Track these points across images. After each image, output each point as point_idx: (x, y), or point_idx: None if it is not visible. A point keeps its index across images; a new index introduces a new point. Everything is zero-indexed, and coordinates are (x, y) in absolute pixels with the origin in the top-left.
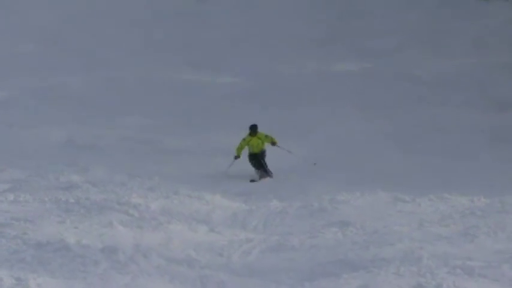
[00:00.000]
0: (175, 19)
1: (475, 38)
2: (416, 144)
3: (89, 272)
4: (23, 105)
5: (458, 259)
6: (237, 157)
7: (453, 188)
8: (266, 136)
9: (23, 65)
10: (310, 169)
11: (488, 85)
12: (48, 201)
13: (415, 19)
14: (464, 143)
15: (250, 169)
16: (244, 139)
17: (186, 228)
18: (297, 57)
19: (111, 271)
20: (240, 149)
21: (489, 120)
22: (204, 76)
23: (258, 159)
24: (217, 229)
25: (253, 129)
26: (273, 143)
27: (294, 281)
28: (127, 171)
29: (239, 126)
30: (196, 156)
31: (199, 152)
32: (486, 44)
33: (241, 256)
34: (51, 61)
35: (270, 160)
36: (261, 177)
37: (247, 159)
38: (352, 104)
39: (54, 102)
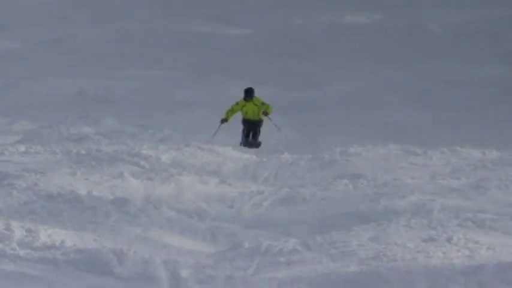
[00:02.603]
0: None
1: None
2: (427, 97)
3: (99, 224)
4: (33, 56)
5: (470, 212)
6: (224, 121)
7: (465, 141)
8: (263, 103)
9: (33, 16)
10: (321, 121)
11: (499, 38)
12: (59, 153)
13: None
14: (476, 97)
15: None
16: (237, 103)
17: (197, 180)
18: (309, 10)
19: (122, 222)
20: (230, 111)
21: (500, 73)
22: (216, 29)
23: (253, 128)
24: (228, 181)
25: (249, 93)
26: (265, 113)
27: (304, 233)
28: (138, 123)
29: (251, 79)
30: (206, 108)
31: (210, 103)
32: None
33: (252, 208)
34: (62, 13)
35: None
36: (245, 145)
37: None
38: (364, 56)
39: (65, 54)
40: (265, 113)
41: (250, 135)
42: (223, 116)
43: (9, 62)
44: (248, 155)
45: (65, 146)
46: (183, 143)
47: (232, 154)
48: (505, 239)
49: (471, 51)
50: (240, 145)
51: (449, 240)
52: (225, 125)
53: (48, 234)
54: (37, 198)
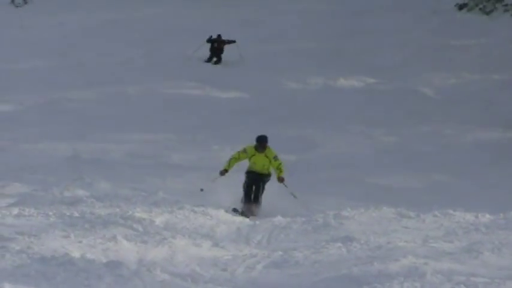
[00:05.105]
0: (180, 35)
1: (479, 55)
2: (420, 161)
3: (92, 286)
4: (27, 120)
5: (462, 275)
6: (224, 172)
7: (457, 204)
8: (276, 158)
9: (26, 80)
10: (314, 184)
11: (492, 102)
12: (53, 216)
13: (420, 36)
14: (468, 160)
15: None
16: (245, 150)
17: (190, 243)
18: (303, 73)
19: (115, 285)
20: (234, 160)
21: (493, 137)
22: (209, 91)
23: (258, 182)
24: (221, 244)
25: (263, 143)
26: (280, 178)
27: None
28: (131, 186)
29: (243, 142)
30: (200, 171)
31: (204, 167)
32: (490, 60)
33: (245, 271)
34: (55, 76)
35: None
36: (245, 211)
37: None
38: (357, 119)
39: (58, 117)
40: (282, 179)
41: (253, 193)
42: (224, 166)
43: (2, 126)
44: (241, 218)
45: (58, 209)
46: (176, 206)
47: (225, 217)
48: None
49: (463, 115)
50: (239, 210)
51: None
52: (224, 177)
53: None
54: (31, 261)
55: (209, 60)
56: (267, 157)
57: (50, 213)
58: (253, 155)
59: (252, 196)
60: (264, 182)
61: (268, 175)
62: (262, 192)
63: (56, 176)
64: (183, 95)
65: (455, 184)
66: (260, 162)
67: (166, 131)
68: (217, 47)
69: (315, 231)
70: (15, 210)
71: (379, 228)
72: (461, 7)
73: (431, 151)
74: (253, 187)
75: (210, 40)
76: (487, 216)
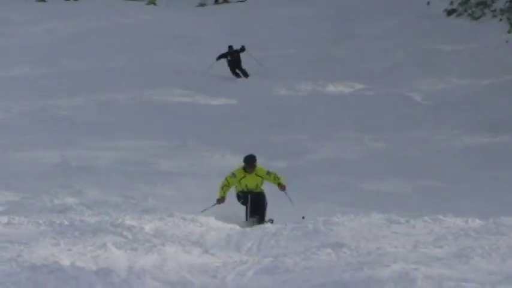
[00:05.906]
0: (170, 42)
1: (468, 60)
2: (410, 166)
3: None
4: (16, 127)
5: (453, 280)
6: (221, 200)
7: (447, 209)
8: (268, 173)
9: (16, 87)
10: (304, 190)
11: (481, 107)
12: (43, 224)
13: (409, 41)
14: (457, 165)
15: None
16: (234, 175)
17: (180, 250)
18: (292, 79)
19: None
20: (226, 187)
21: (482, 141)
22: (199, 99)
23: (258, 202)
24: (211, 251)
25: (250, 162)
26: (281, 186)
27: None
28: (121, 193)
29: (233, 148)
30: (190, 178)
31: (194, 173)
32: (479, 65)
33: (235, 278)
34: (44, 83)
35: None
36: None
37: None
38: (346, 125)
39: (47, 124)
40: (283, 187)
41: (256, 217)
42: (218, 194)
43: None
44: (231, 225)
45: (48, 217)
46: (166, 213)
47: (216, 224)
48: None
49: (452, 120)
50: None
51: None
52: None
53: None
54: (21, 269)
55: (235, 75)
56: (258, 176)
57: (40, 221)
58: (243, 177)
59: (255, 219)
60: (264, 200)
61: (263, 194)
62: (266, 210)
63: (45, 183)
64: (173, 102)
65: (445, 189)
66: (252, 183)
67: (156, 138)
68: (231, 59)
69: (305, 238)
70: (5, 219)
71: (369, 234)
72: (450, 13)
73: (420, 156)
74: (255, 210)
75: (220, 57)
76: (477, 221)
